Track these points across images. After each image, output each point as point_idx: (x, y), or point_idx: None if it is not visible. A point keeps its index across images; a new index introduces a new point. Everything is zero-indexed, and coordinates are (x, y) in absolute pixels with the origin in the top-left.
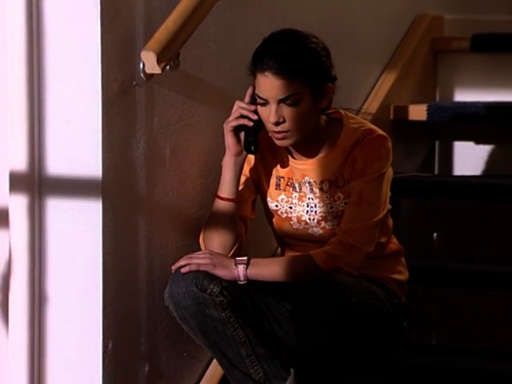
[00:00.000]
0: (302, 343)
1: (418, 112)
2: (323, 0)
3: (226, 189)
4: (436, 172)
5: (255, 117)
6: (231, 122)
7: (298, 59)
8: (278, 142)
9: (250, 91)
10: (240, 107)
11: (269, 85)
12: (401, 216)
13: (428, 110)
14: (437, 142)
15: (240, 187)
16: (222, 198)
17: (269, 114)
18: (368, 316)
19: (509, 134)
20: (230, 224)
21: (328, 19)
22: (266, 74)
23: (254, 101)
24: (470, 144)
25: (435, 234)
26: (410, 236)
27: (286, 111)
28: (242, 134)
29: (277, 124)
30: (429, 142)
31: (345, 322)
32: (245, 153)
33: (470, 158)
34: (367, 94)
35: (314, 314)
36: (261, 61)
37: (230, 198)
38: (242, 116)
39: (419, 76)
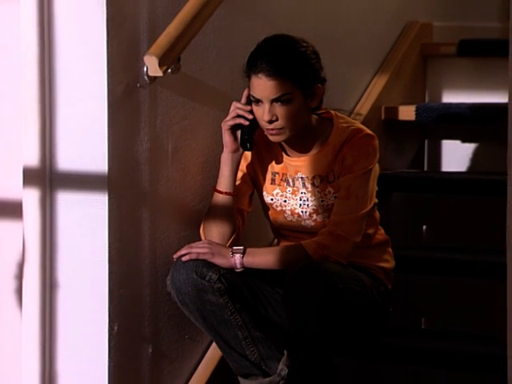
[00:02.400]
0: (293, 326)
1: (407, 112)
2: (318, 7)
3: (223, 183)
4: (425, 168)
5: (250, 116)
6: (228, 122)
7: (289, 62)
8: (271, 138)
9: (245, 93)
10: (236, 107)
11: (262, 86)
12: (392, 209)
13: (416, 110)
14: (426, 141)
15: (238, 182)
16: (220, 192)
17: (263, 113)
18: (354, 301)
19: (491, 134)
20: (228, 216)
21: (322, 26)
22: (260, 75)
23: (249, 101)
24: (457, 143)
25: (424, 226)
26: (401, 228)
27: (279, 110)
28: (239, 133)
29: (270, 122)
30: (418, 141)
31: (332, 307)
32: (241, 150)
33: (456, 155)
34: (360, 95)
35: (304, 300)
36: (255, 64)
37: (228, 191)
38: (239, 116)
39: (409, 79)
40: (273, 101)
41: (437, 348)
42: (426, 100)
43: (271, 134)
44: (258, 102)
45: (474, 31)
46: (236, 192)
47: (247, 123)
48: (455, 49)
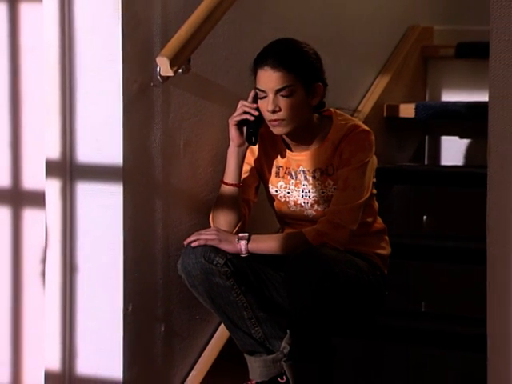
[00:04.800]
0: (293, 307)
1: (407, 110)
2: (324, 11)
3: (230, 176)
4: (425, 162)
5: (256, 112)
6: (235, 117)
7: (293, 57)
8: (274, 131)
9: (252, 93)
10: (243, 105)
11: (267, 77)
12: (394, 200)
13: (416, 108)
14: (426, 137)
15: (245, 175)
16: (227, 184)
17: (267, 104)
18: (350, 284)
19: (487, 130)
20: (234, 206)
21: (329, 29)
22: (265, 68)
23: (255, 100)
24: (455, 138)
25: (424, 216)
26: (403, 218)
27: (282, 101)
28: (245, 129)
29: (273, 112)
30: (419, 137)
31: (328, 289)
32: (246, 144)
33: (454, 150)
34: (363, 94)
35: (302, 282)
36: (261, 59)
37: (234, 183)
38: (245, 112)
39: (410, 79)
40: (277, 91)
41: (430, 329)
42: (427, 99)
43: (274, 126)
44: (263, 95)
45: (472, 34)
46: (242, 183)
47: (253, 118)
48: (453, 51)
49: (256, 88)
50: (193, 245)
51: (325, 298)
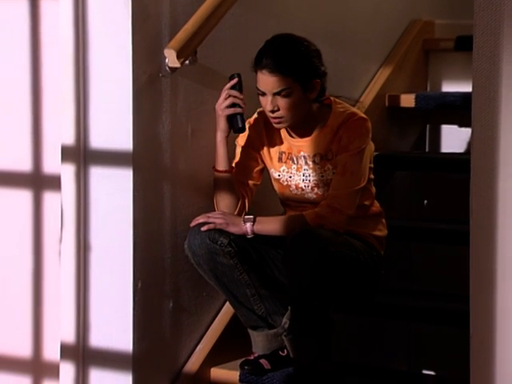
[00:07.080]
0: (292, 285)
1: (407, 100)
2: (328, 6)
3: (222, 163)
4: (427, 150)
5: (244, 104)
6: (226, 111)
7: (290, 60)
8: (275, 126)
9: (234, 81)
10: (232, 95)
11: (265, 80)
12: (397, 186)
13: (416, 98)
14: (427, 126)
15: (248, 160)
16: (219, 171)
17: (266, 104)
18: (345, 263)
19: None
20: (230, 189)
21: (333, 23)
22: (264, 71)
23: (235, 87)
24: (455, 127)
25: (425, 201)
26: (405, 202)
27: (280, 101)
28: (238, 117)
29: (272, 112)
30: (420, 126)
31: (324, 268)
32: (232, 132)
33: (454, 138)
34: (366, 84)
35: (299, 262)
36: (260, 60)
37: (227, 169)
38: (234, 104)
39: (412, 70)
40: (275, 94)
41: (430, 306)
42: (428, 89)
43: (274, 123)
44: (263, 93)
45: (471, 28)
46: (243, 167)
47: (242, 111)
48: (453, 44)
49: (256, 87)
50: (203, 229)
51: (321, 276)
